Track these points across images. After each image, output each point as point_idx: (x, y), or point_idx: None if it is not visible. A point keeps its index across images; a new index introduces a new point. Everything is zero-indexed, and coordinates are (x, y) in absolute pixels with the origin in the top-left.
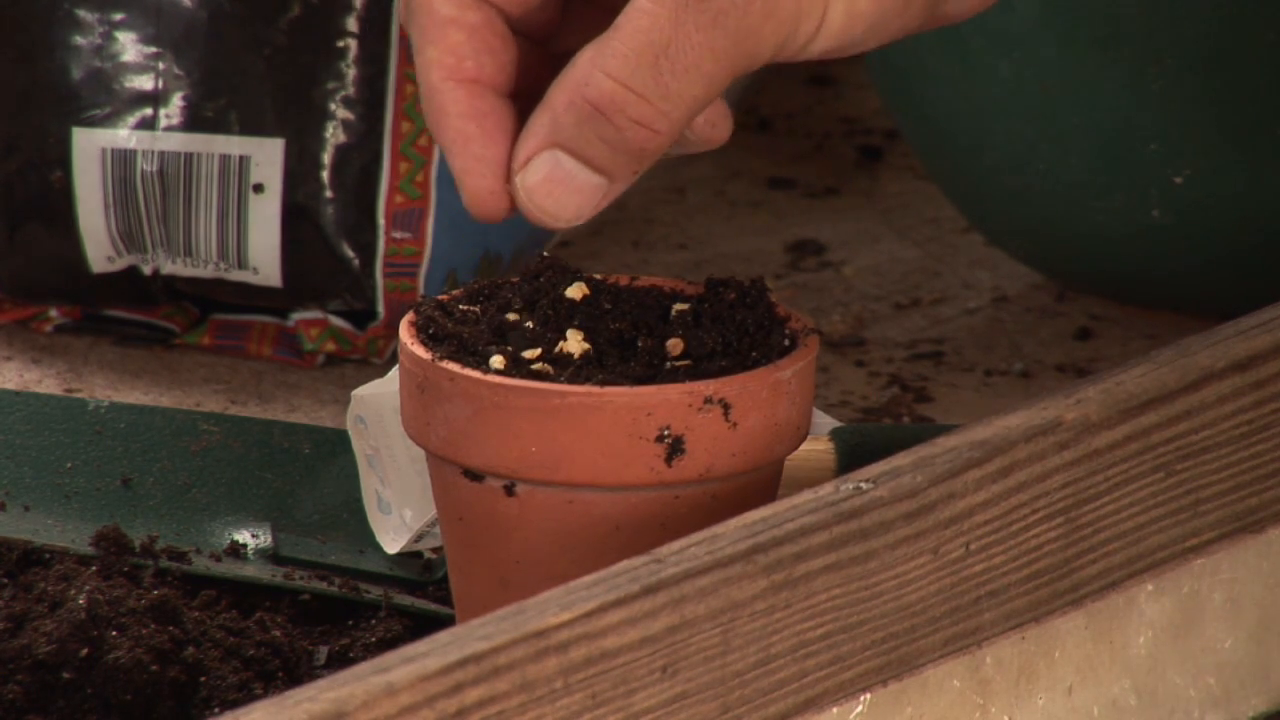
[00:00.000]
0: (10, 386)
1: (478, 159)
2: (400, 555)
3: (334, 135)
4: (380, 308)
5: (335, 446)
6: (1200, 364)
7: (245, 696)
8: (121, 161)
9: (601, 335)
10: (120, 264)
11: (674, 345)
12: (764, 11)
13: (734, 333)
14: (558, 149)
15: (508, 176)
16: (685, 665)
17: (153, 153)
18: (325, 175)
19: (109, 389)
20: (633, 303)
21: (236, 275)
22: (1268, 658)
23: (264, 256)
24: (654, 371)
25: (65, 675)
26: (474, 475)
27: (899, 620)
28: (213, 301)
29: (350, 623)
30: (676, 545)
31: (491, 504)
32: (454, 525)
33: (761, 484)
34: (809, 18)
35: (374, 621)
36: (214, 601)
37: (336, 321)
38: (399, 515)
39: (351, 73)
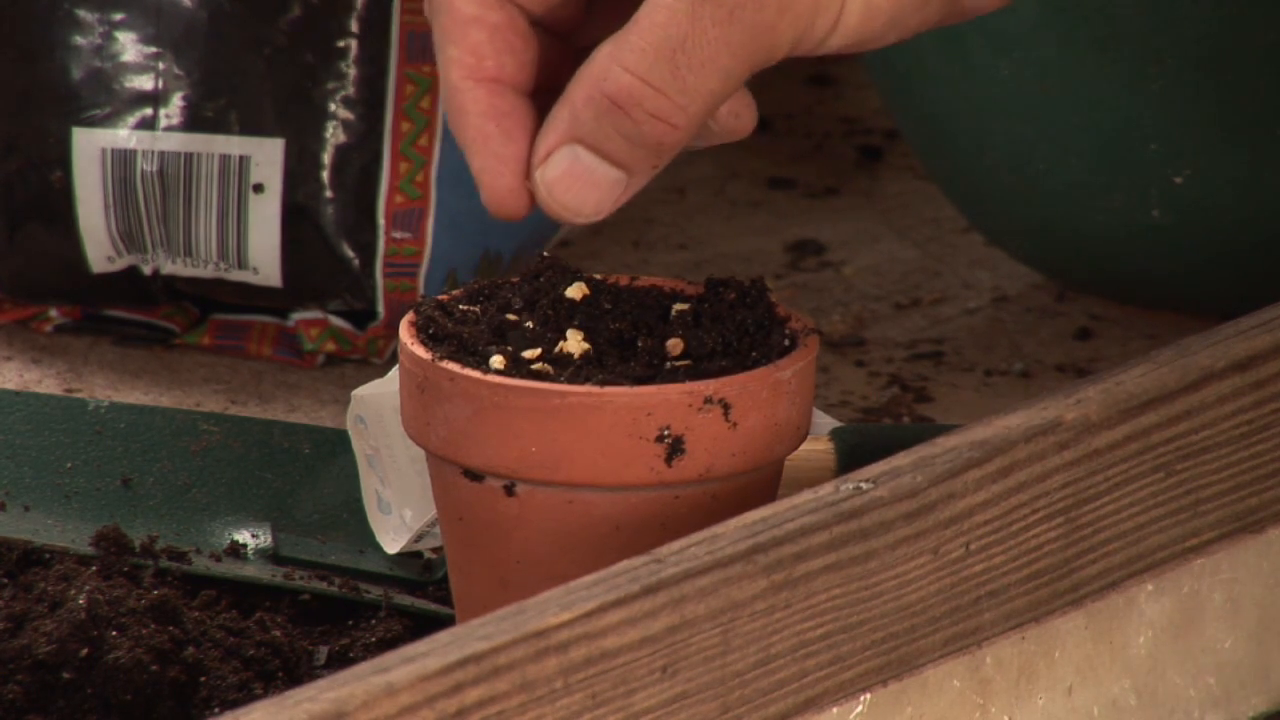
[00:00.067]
0: (10, 386)
1: (497, 158)
2: (400, 555)
3: (334, 135)
4: (380, 308)
5: (335, 446)
6: (1200, 364)
7: (245, 696)
8: (121, 161)
9: (601, 335)
10: (120, 264)
11: (674, 345)
12: (780, 6)
13: (734, 333)
14: (577, 144)
15: (527, 175)
16: (685, 665)
17: (153, 153)
18: (325, 175)
19: (109, 389)
20: (633, 303)
21: (236, 275)
22: (1268, 658)
23: (264, 256)
24: (654, 371)
25: (65, 675)
26: (474, 475)
27: (899, 620)
28: (213, 301)
29: (350, 623)
30: (676, 545)
31: (491, 504)
32: (454, 525)
33: (761, 484)
34: (826, 13)
35: (374, 621)
36: (214, 601)
37: (336, 321)
38: (399, 515)
39: (351, 73)
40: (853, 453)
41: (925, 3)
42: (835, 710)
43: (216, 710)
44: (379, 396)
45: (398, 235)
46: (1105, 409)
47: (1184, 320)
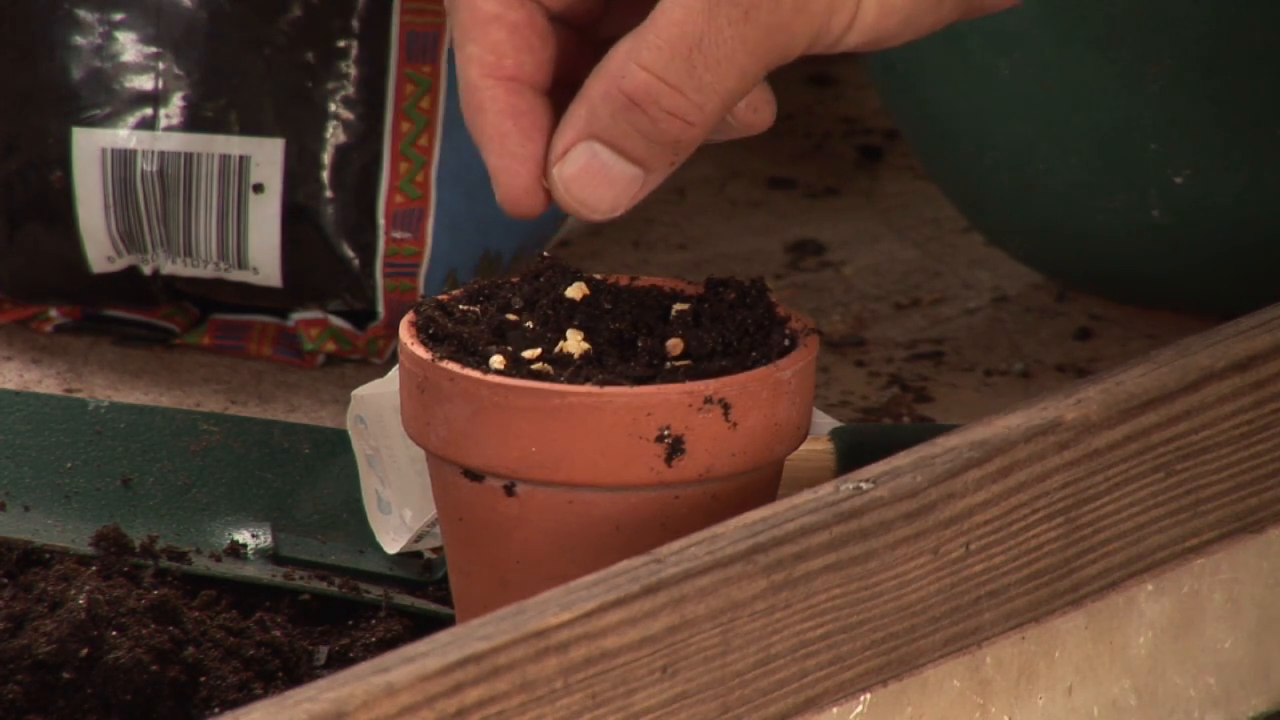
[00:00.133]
0: (10, 386)
1: (514, 156)
2: (400, 555)
3: (334, 135)
4: (380, 308)
5: (335, 446)
6: (1200, 364)
7: (245, 696)
8: (121, 161)
9: (601, 335)
10: (120, 264)
11: (674, 345)
12: (796, 5)
13: (734, 333)
14: (594, 140)
15: (543, 173)
16: (685, 665)
17: (153, 153)
18: (325, 175)
19: (109, 389)
20: (633, 303)
21: (236, 275)
22: (1268, 658)
23: (264, 256)
24: (654, 371)
25: (65, 675)
26: (474, 475)
27: (899, 620)
28: (213, 301)
29: (350, 623)
30: (676, 545)
31: (491, 504)
32: (454, 525)
33: (761, 484)
34: (842, 11)
35: (374, 621)
36: (214, 601)
37: (336, 321)
38: (399, 515)
39: (351, 73)
40: (853, 453)
41: (940, 1)
42: (835, 710)
43: (216, 710)
44: (379, 396)
45: (398, 235)
46: (1105, 409)
47: (1184, 320)
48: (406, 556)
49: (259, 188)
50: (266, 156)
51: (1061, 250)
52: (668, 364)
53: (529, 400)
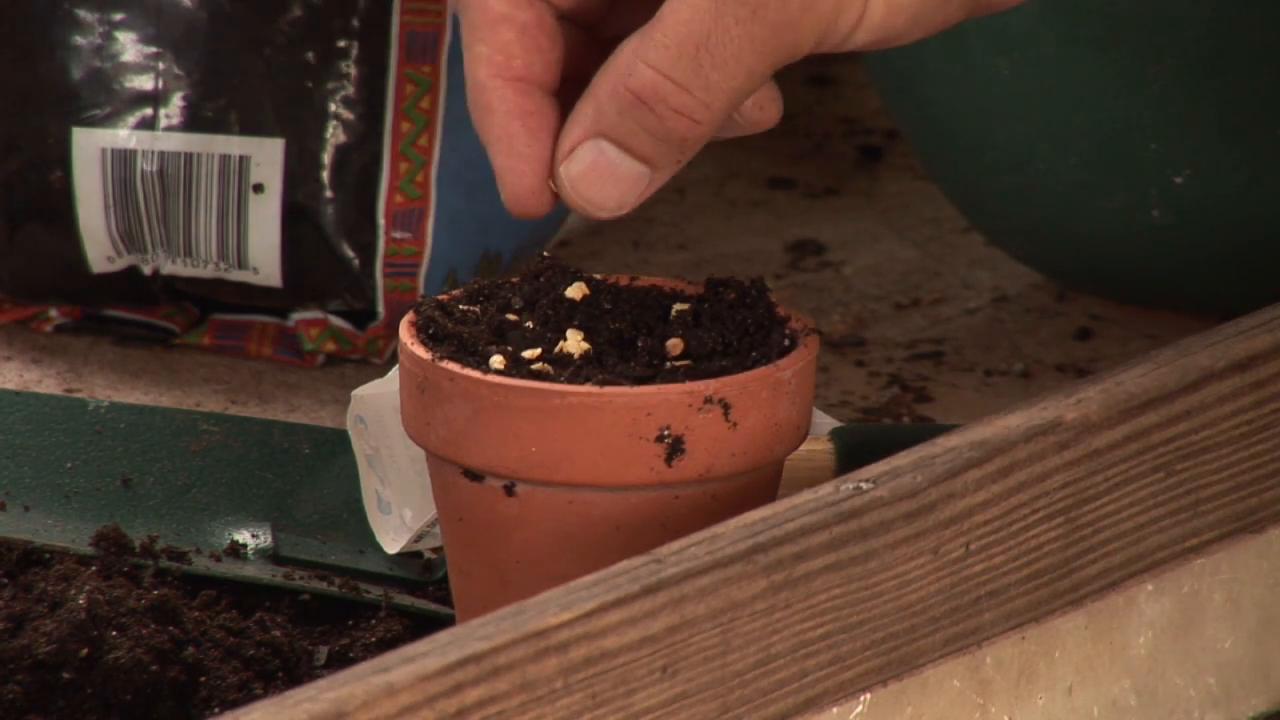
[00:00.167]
0: (10, 386)
1: (521, 157)
2: (400, 555)
3: (334, 135)
4: (380, 308)
5: (335, 446)
6: (1200, 364)
7: (245, 696)
8: (121, 161)
9: (601, 335)
10: (120, 264)
11: (674, 345)
12: (804, 4)
13: (734, 333)
14: (601, 138)
15: (549, 174)
16: (685, 665)
17: (153, 153)
18: (325, 175)
19: (109, 389)
20: (633, 303)
21: (236, 275)
22: (1268, 658)
23: (264, 256)
24: (654, 371)
25: (65, 675)
26: (474, 475)
27: (899, 620)
28: (213, 301)
29: (350, 623)
30: (676, 545)
31: (491, 504)
32: (454, 525)
33: (761, 484)
34: (849, 10)
35: (374, 621)
36: (214, 601)
37: (336, 321)
38: (399, 515)
39: (351, 73)
40: (853, 453)
41: (947, 1)
42: (835, 710)
43: (216, 710)
44: (379, 396)
45: (398, 235)
46: (1105, 409)
47: (1184, 320)
48: (406, 556)
49: (259, 188)
50: (266, 156)
51: (1061, 250)
52: (668, 364)
53: (529, 400)
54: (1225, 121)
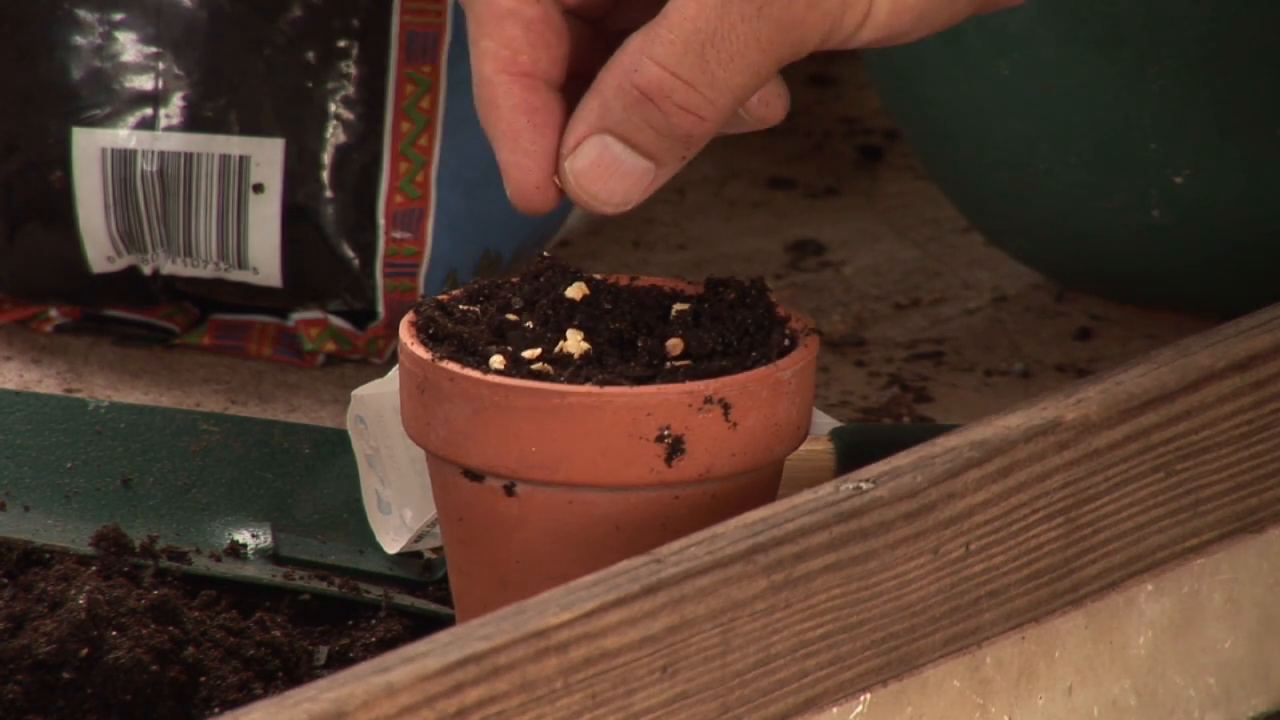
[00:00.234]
0: (10, 386)
1: (526, 153)
2: (400, 555)
3: (334, 135)
4: (380, 308)
5: (335, 446)
6: (1200, 364)
7: (245, 696)
8: (121, 161)
9: (601, 335)
10: (120, 264)
11: (674, 345)
12: (809, 2)
13: (734, 333)
14: (606, 134)
15: (554, 169)
16: (685, 665)
17: (153, 153)
18: (325, 175)
19: (109, 389)
20: (633, 303)
21: (236, 275)
22: (1268, 658)
23: (264, 256)
24: (654, 371)
25: (65, 675)
26: (474, 475)
27: (899, 620)
28: (213, 301)
29: (350, 623)
30: (676, 545)
31: (491, 504)
32: (454, 525)
33: (761, 484)
34: (855, 8)
35: (374, 621)
36: (214, 601)
37: (336, 321)
38: (399, 515)
39: (352, 73)
40: (852, 453)
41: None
42: (835, 710)
43: (216, 710)
44: (379, 396)
45: (398, 235)
46: (1105, 409)
47: (1184, 320)
48: (406, 556)
49: (259, 188)
50: (266, 156)
51: (1061, 250)
52: (668, 364)
53: (529, 400)
54: (1225, 121)
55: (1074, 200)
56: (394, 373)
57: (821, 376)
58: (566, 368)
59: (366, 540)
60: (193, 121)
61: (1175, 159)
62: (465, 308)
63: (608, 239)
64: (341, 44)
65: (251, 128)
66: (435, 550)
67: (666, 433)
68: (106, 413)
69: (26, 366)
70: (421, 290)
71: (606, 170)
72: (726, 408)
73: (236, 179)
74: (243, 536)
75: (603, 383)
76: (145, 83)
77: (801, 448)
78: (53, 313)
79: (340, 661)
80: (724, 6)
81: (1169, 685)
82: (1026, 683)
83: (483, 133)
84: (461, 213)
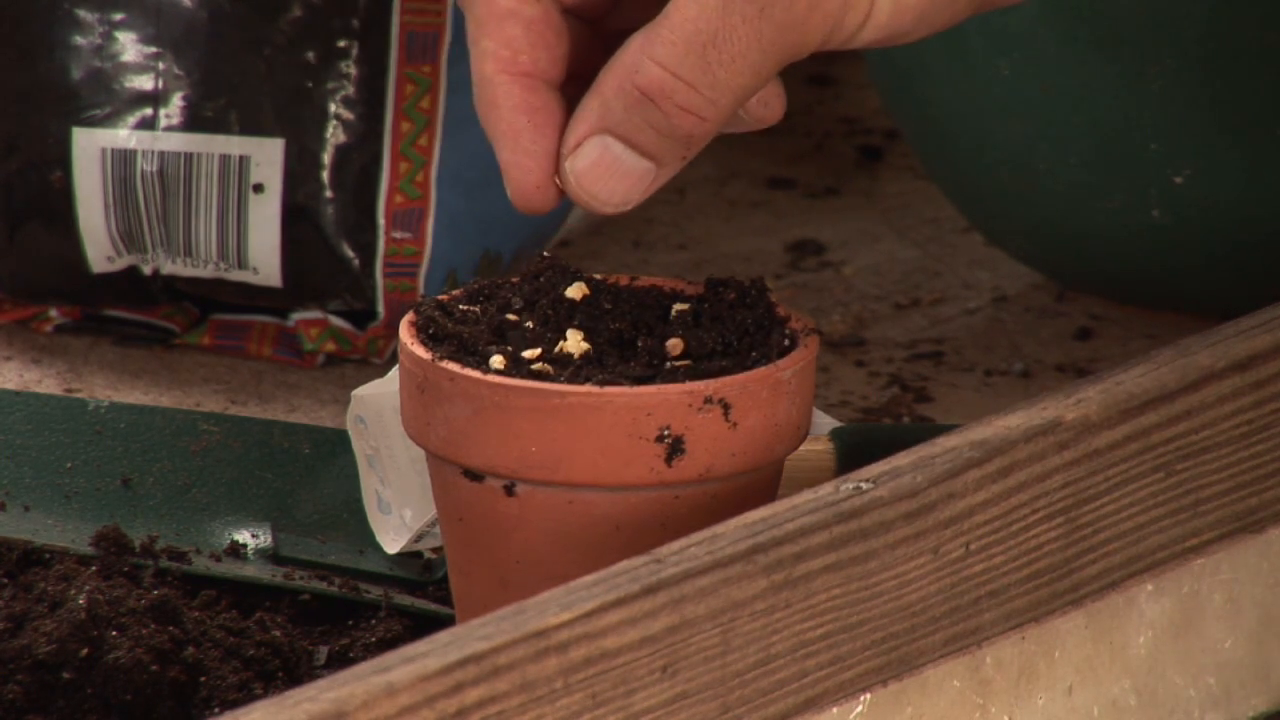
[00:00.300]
0: (10, 386)
1: (527, 153)
2: (400, 555)
3: (334, 135)
4: (380, 308)
5: (335, 446)
6: (1200, 364)
7: (245, 696)
8: (121, 161)
9: (601, 335)
10: (120, 264)
11: (674, 345)
12: (811, 3)
13: (734, 333)
14: (607, 134)
15: (555, 169)
16: (685, 665)
17: (153, 153)
18: (325, 175)
19: (109, 389)
20: (633, 303)
21: (236, 275)
22: (1268, 658)
23: (264, 256)
24: (654, 371)
25: (65, 675)
26: (474, 475)
27: (899, 620)
28: (213, 301)
29: (350, 623)
30: (676, 545)
31: (491, 504)
32: (454, 525)
33: (761, 484)
34: (856, 9)
35: (374, 621)
36: (214, 601)
37: (336, 321)
38: (399, 515)
39: (351, 73)
40: (852, 453)
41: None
42: (835, 710)
43: (216, 710)
44: (379, 396)
45: (398, 235)
46: (1105, 409)
47: (1184, 320)
48: (406, 556)
49: (259, 188)
50: (266, 156)
51: (1061, 250)
52: (668, 364)
53: (529, 400)
54: (1225, 121)
55: (1074, 200)
56: (394, 373)
57: (821, 376)
58: (566, 368)
59: (366, 540)
60: (193, 121)
61: (1175, 159)
62: (465, 308)
63: (608, 239)
64: (341, 44)
65: (251, 128)
66: (435, 550)
67: (666, 433)
68: (106, 413)
69: (26, 366)
70: (421, 290)
71: (607, 170)
72: (726, 408)
73: (236, 179)
74: (243, 536)
75: (603, 383)
76: (145, 83)
77: (801, 448)
78: (53, 313)
79: (340, 661)
80: (725, 7)
81: (1169, 685)
82: (1026, 683)
83: (483, 133)
84: (461, 213)
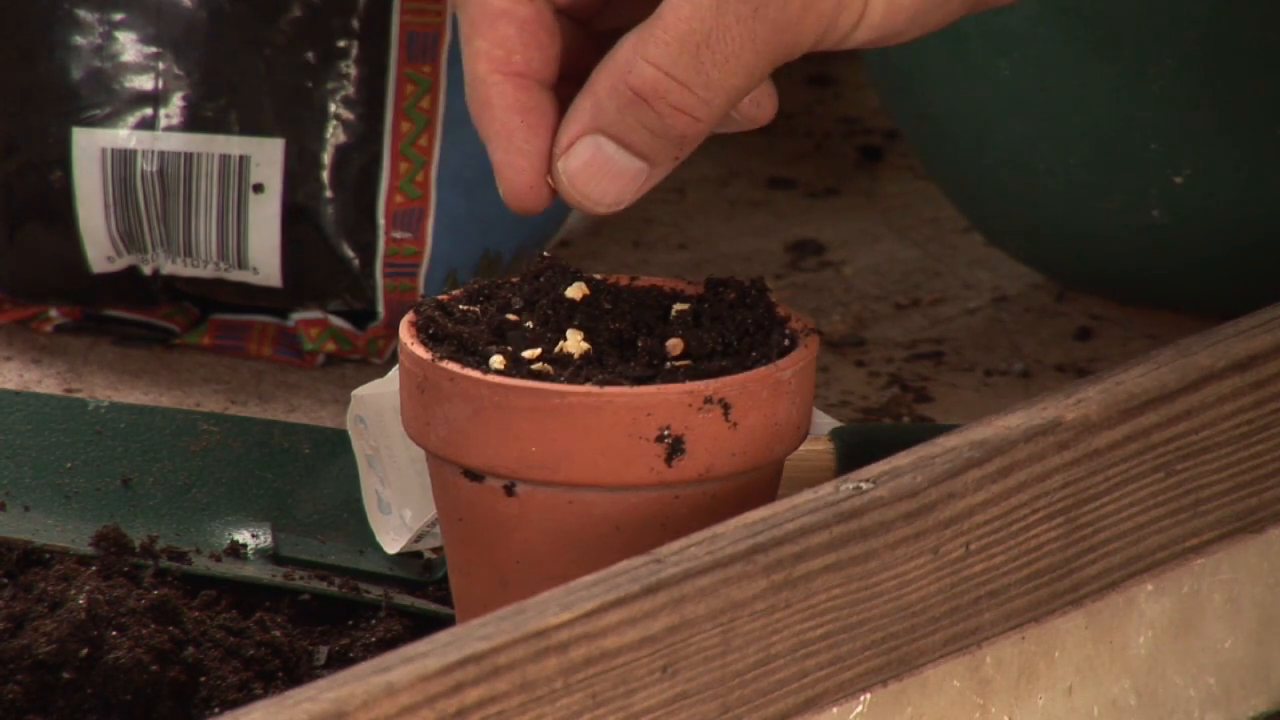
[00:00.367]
0: (10, 386)
1: (520, 152)
2: (400, 555)
3: (334, 135)
4: (380, 308)
5: (335, 446)
6: (1200, 364)
7: (245, 696)
8: (121, 161)
9: (601, 335)
10: (120, 264)
11: (674, 345)
12: (804, 3)
13: (734, 333)
14: (600, 134)
15: (547, 169)
16: (685, 665)
17: (153, 153)
18: (325, 175)
19: (109, 389)
20: (633, 303)
21: (236, 275)
22: (1268, 658)
23: (264, 256)
24: (654, 371)
25: (65, 675)
26: (474, 475)
27: (899, 620)
28: (213, 301)
29: (350, 623)
30: (676, 545)
31: (491, 504)
32: (454, 525)
33: (761, 484)
34: (850, 9)
35: (374, 621)
36: (214, 601)
37: (336, 321)
38: (399, 515)
39: (351, 73)
40: (853, 453)
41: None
42: (835, 710)
43: (216, 710)
44: (379, 396)
45: (398, 235)
46: (1105, 409)
47: (1184, 320)
48: (406, 556)
49: (259, 188)
50: (266, 156)
51: (1061, 250)
52: (668, 364)
53: (529, 400)
54: (1225, 121)
55: (1074, 200)
56: (394, 373)
57: (821, 376)
58: (566, 368)
59: (366, 540)
60: (193, 121)
61: (1175, 159)
62: (465, 308)
63: (608, 239)
64: (341, 44)
65: (251, 128)
66: (435, 550)
67: (666, 433)
68: (106, 413)
69: (26, 366)
70: (421, 290)
71: (599, 170)
72: (726, 408)
73: (236, 179)
74: (243, 536)
75: (603, 383)
76: (145, 83)
77: (801, 448)
78: (53, 313)
79: (340, 661)
80: (719, 7)
81: (1169, 685)
82: (1026, 683)
83: None
84: (461, 213)
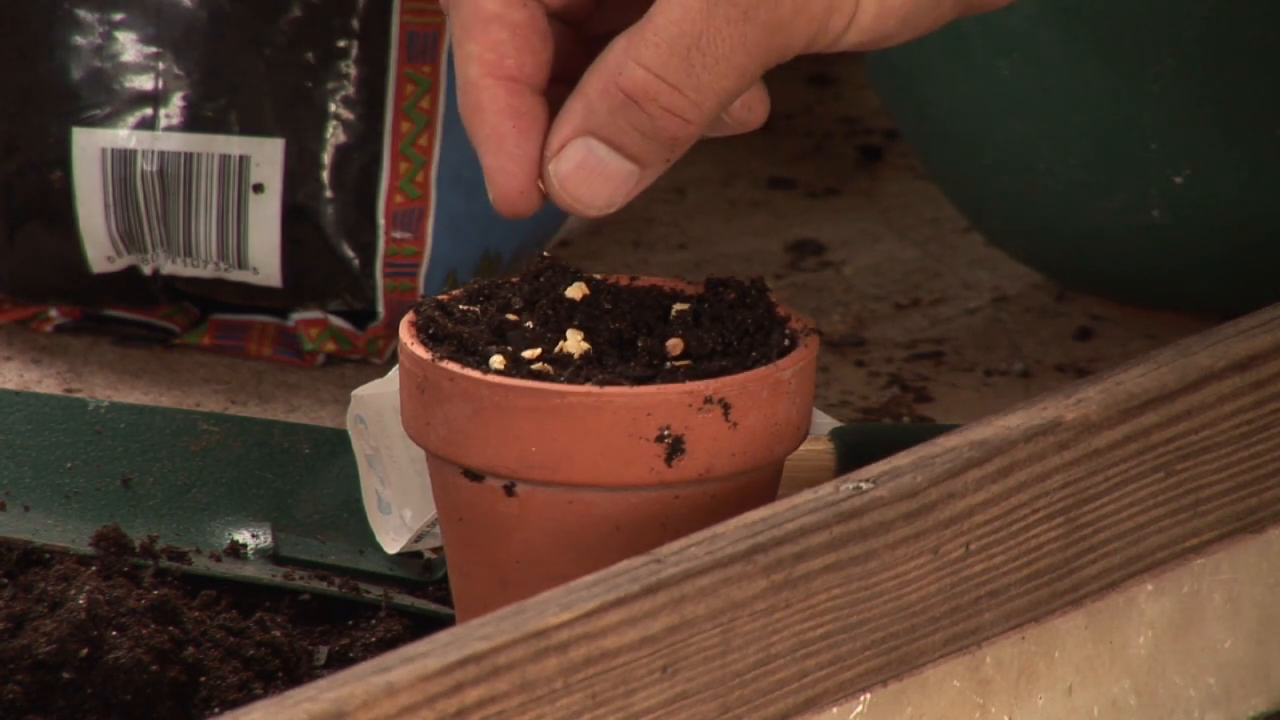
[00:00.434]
0: (10, 386)
1: (511, 157)
2: (400, 555)
3: (334, 135)
4: (380, 308)
5: (335, 446)
6: (1200, 364)
7: (245, 696)
8: (121, 161)
9: (601, 335)
10: (120, 264)
11: (674, 345)
12: (795, 6)
13: (734, 333)
14: (591, 136)
15: (538, 173)
16: (685, 665)
17: (153, 153)
18: (325, 175)
19: (109, 389)
20: (633, 303)
21: (236, 275)
22: (1268, 658)
23: (264, 256)
24: (654, 371)
25: (65, 675)
26: (474, 475)
27: (899, 620)
28: (213, 301)
29: (350, 623)
30: (676, 545)
31: (491, 504)
32: (454, 525)
33: (761, 484)
34: (840, 12)
35: (374, 621)
36: (214, 601)
37: (336, 321)
38: (399, 515)
39: (352, 73)
40: (853, 453)
41: (938, 1)
42: (835, 710)
43: (216, 710)
44: (379, 396)
45: (398, 235)
46: (1105, 409)
47: (1184, 320)
48: (406, 556)
49: (259, 188)
50: (266, 156)
51: (1061, 250)
52: (668, 364)
53: (529, 400)
54: (1225, 121)
55: (1074, 200)
56: (394, 373)
57: (821, 376)
58: (566, 368)
59: (366, 540)
60: (193, 121)
61: (1175, 159)
62: (465, 308)
63: (608, 239)
64: (341, 44)
65: (251, 128)
66: (435, 550)
67: (666, 433)
68: (106, 413)
69: (26, 366)
70: (421, 290)
71: (590, 173)
72: (726, 408)
73: (236, 179)
74: (243, 536)
75: (603, 383)
76: (145, 83)
77: (801, 448)
78: (53, 313)
79: (340, 661)
80: (710, 9)
81: (1169, 685)
82: (1026, 683)
83: None
84: (461, 213)
